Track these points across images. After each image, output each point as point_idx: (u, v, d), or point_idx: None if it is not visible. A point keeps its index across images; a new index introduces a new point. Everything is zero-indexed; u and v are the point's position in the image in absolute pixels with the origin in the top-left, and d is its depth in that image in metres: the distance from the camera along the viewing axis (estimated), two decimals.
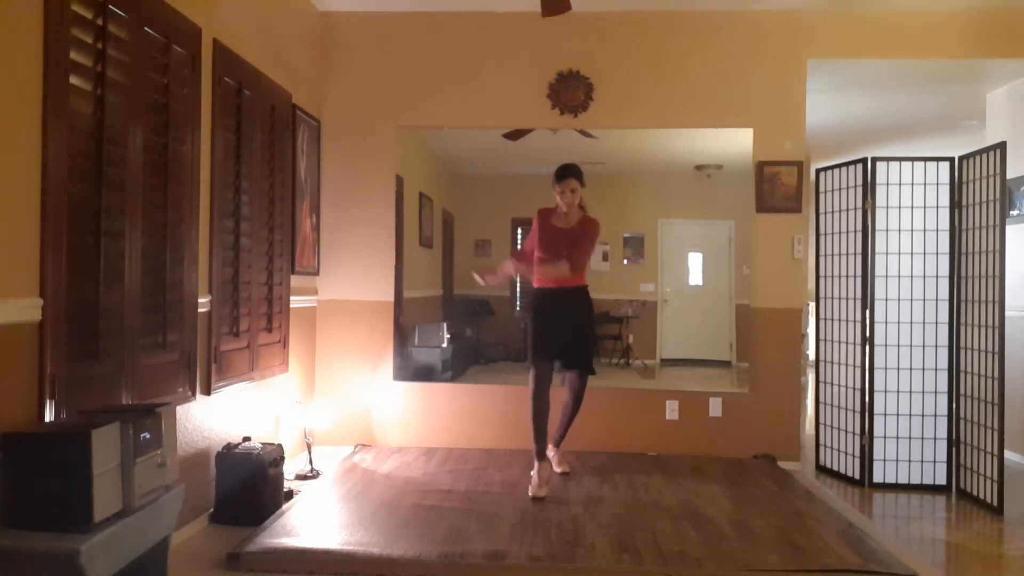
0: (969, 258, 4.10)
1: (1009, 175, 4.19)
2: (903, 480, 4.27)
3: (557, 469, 4.22)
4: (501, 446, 4.79)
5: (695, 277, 7.05)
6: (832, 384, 4.59)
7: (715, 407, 4.82)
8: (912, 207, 4.30)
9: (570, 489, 3.94)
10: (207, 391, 3.37)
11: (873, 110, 6.18)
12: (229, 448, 3.47)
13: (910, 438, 4.27)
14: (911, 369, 4.27)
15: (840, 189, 4.52)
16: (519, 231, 6.77)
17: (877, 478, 4.30)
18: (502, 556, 2.94)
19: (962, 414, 4.13)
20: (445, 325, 5.90)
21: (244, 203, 3.70)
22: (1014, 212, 5.02)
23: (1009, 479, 3.91)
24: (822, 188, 4.67)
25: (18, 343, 2.24)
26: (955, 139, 6.79)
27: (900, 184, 4.31)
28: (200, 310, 3.28)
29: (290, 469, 4.09)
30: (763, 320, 4.78)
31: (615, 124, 4.90)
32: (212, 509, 3.45)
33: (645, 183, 6.76)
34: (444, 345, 5.76)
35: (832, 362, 4.59)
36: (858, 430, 4.35)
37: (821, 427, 4.67)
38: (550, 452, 4.16)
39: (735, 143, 4.92)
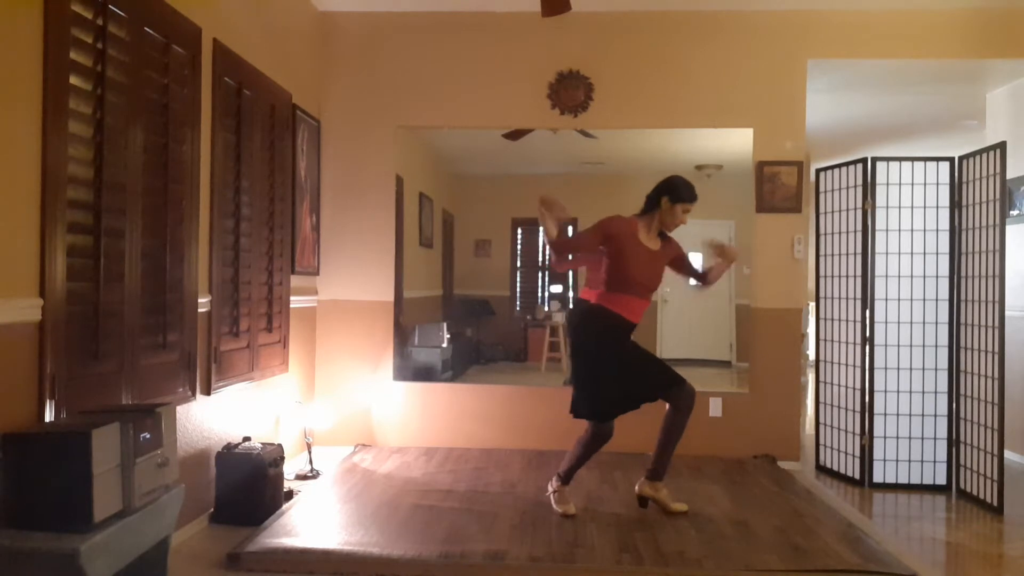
0: (969, 258, 4.10)
1: (1009, 175, 4.18)
2: (903, 480, 4.27)
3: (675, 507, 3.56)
4: (501, 446, 4.79)
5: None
6: (832, 384, 4.59)
7: (715, 407, 4.81)
8: (912, 207, 4.30)
9: (570, 489, 3.93)
10: (207, 391, 3.37)
11: (873, 110, 6.17)
12: (229, 448, 3.47)
13: (910, 438, 4.27)
14: (911, 369, 4.27)
15: (840, 189, 4.52)
16: (519, 231, 6.76)
17: (877, 478, 4.30)
18: (502, 556, 2.94)
19: (962, 414, 4.13)
20: (445, 325, 5.90)
21: (244, 203, 3.70)
22: (1014, 212, 5.02)
23: (1009, 479, 3.91)
24: (822, 188, 4.67)
25: (18, 343, 2.24)
26: (955, 139, 6.78)
27: (900, 184, 4.31)
28: (200, 310, 3.28)
29: (290, 469, 4.09)
30: (763, 320, 4.78)
31: (615, 124, 4.90)
32: (212, 509, 3.45)
33: (645, 183, 6.73)
34: (444, 345, 5.76)
35: (832, 362, 4.59)
36: (858, 430, 4.35)
37: (821, 427, 4.66)
38: (639, 489, 3.62)
39: (735, 143, 4.91)
